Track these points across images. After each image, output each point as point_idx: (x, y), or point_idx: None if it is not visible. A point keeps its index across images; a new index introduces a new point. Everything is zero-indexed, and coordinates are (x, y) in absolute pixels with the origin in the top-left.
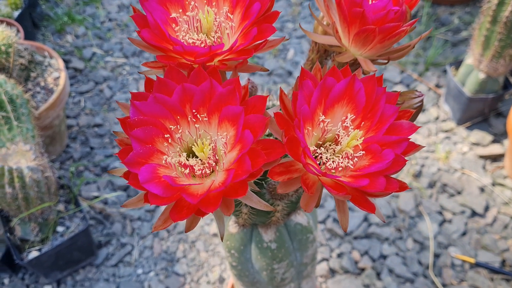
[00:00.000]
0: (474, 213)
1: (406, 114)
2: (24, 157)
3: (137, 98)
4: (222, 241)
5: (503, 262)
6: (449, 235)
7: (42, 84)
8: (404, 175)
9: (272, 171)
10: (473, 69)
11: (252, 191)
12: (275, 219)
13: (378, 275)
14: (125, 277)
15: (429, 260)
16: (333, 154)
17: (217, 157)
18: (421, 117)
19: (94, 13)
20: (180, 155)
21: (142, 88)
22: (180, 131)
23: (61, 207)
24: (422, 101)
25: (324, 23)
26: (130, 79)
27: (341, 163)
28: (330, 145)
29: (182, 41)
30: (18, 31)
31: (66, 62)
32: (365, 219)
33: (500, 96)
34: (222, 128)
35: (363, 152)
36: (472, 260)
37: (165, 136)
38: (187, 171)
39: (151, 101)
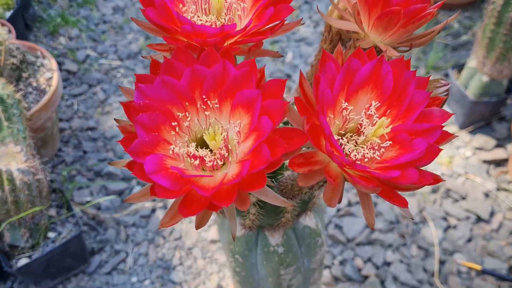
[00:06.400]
0: (479, 219)
1: (436, 101)
2: (14, 159)
3: (142, 81)
4: (234, 241)
5: (510, 269)
6: (454, 242)
7: (34, 84)
8: None
9: (292, 162)
10: (477, 72)
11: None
12: (284, 220)
13: (382, 283)
14: (119, 285)
15: (434, 267)
16: (356, 145)
17: (229, 148)
18: None
19: (88, 15)
20: (188, 146)
21: None
22: (188, 119)
23: (53, 212)
24: (448, 90)
25: (340, 7)
26: (125, 82)
27: (367, 154)
28: (351, 136)
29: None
30: (9, 31)
31: (59, 64)
32: None
33: (504, 99)
34: (235, 115)
35: (390, 142)
36: (479, 267)
37: (172, 124)
38: (196, 162)
39: (158, 85)
